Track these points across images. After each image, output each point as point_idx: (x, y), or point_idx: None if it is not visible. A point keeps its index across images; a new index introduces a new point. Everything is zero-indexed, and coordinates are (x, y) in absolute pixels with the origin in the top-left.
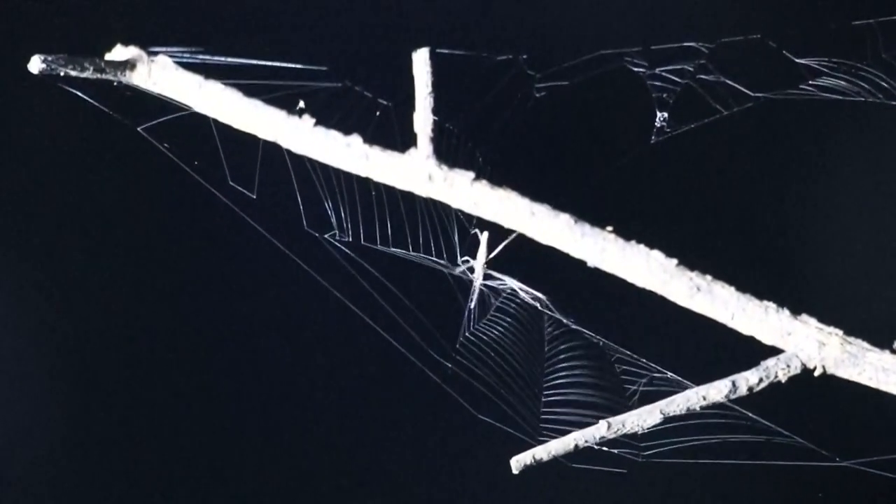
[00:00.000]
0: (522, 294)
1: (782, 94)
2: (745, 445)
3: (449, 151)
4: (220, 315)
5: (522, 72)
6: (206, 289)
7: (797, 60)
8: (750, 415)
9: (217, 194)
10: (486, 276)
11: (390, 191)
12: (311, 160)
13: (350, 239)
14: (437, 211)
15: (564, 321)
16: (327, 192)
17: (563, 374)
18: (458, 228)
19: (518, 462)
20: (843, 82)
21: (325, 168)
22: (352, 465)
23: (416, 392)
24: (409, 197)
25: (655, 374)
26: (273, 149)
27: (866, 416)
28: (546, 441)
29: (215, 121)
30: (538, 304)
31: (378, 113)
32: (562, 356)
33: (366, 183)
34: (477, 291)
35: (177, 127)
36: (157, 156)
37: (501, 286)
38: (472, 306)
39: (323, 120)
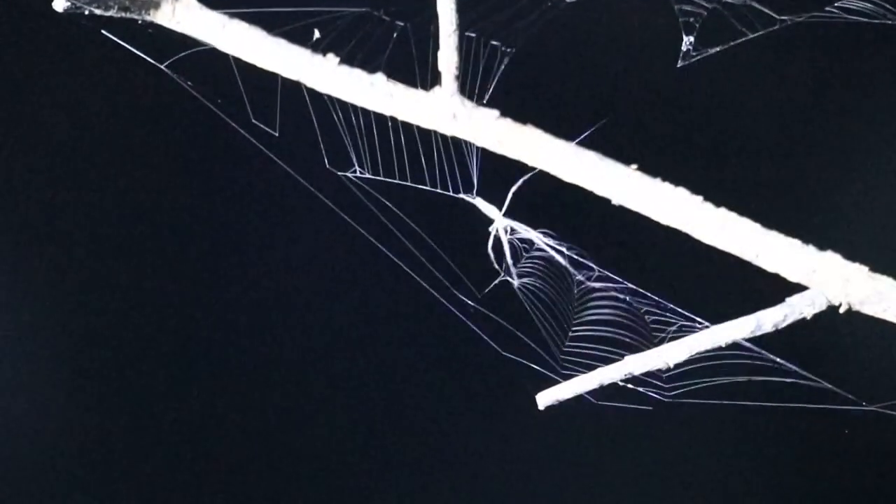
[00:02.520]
0: (546, 247)
1: (807, 17)
2: (771, 387)
3: (469, 59)
4: (245, 257)
5: None
6: (230, 228)
7: None
8: (777, 359)
9: (241, 131)
10: (509, 231)
11: (408, 127)
12: (331, 98)
13: (370, 174)
14: (454, 147)
15: (588, 272)
16: (346, 129)
17: (592, 313)
18: (477, 163)
19: (544, 398)
20: (869, 4)
21: (345, 105)
22: (378, 405)
23: (442, 330)
24: (426, 133)
25: (684, 323)
26: (293, 88)
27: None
28: (571, 377)
29: (237, 60)
30: (561, 257)
31: (395, 34)
32: (590, 301)
33: (384, 120)
34: (506, 244)
35: (199, 66)
36: (181, 94)
37: (526, 239)
38: (505, 260)
39: (342, 45)
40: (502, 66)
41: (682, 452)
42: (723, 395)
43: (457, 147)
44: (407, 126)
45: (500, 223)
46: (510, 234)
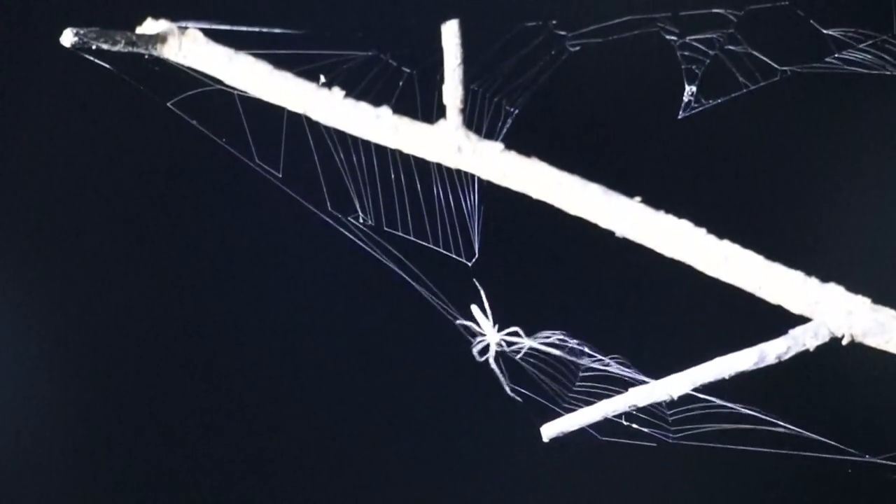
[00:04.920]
0: (544, 347)
1: (808, 68)
2: (773, 435)
3: (474, 110)
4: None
5: (552, 34)
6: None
7: (824, 31)
8: (786, 425)
9: (249, 163)
10: (503, 344)
11: (409, 172)
12: (333, 138)
13: (372, 221)
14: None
15: (591, 363)
16: (349, 174)
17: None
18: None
19: (549, 430)
20: (868, 56)
21: (348, 149)
22: (376, 438)
23: (448, 361)
24: (427, 176)
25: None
26: (298, 129)
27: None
28: (575, 409)
29: (241, 98)
30: (561, 350)
31: (402, 83)
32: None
33: (387, 163)
34: (497, 369)
35: (204, 106)
36: (186, 132)
37: (520, 348)
38: (500, 372)
39: (349, 88)
40: (506, 128)
41: (683, 491)
42: (726, 440)
43: (458, 207)
44: (410, 174)
45: (493, 339)
46: (505, 348)
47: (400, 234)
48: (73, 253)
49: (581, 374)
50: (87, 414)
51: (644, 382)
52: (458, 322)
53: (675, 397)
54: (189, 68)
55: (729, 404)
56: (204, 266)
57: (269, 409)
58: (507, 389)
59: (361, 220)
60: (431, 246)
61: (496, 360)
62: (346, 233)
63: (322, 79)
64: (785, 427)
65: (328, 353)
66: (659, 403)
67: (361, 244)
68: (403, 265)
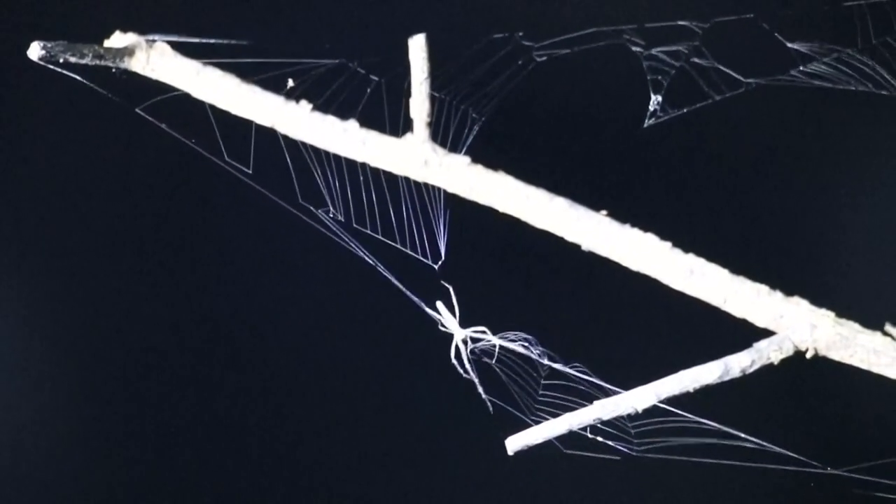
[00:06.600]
0: (509, 345)
1: (772, 81)
2: (737, 448)
3: (440, 119)
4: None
5: (519, 45)
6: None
7: (789, 45)
8: (749, 438)
9: (219, 162)
10: (468, 340)
11: (379, 177)
12: (304, 144)
13: (342, 217)
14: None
15: (552, 364)
16: (319, 171)
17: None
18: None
19: (513, 443)
20: (832, 70)
21: (317, 150)
22: (349, 444)
23: (415, 369)
24: (394, 181)
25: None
26: (266, 132)
27: (856, 425)
28: (540, 421)
29: (211, 106)
30: (527, 350)
31: (369, 90)
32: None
33: (355, 165)
34: (466, 361)
35: (173, 109)
36: (155, 137)
37: (487, 345)
38: (466, 367)
39: (316, 96)
40: (472, 136)
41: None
42: (690, 453)
43: (424, 210)
44: (378, 177)
45: (459, 335)
46: (472, 345)
47: (368, 231)
48: (41, 252)
49: (543, 378)
50: (67, 413)
51: (604, 388)
52: (427, 309)
53: (640, 410)
54: (158, 81)
55: (693, 416)
56: (180, 264)
57: (230, 397)
58: (480, 390)
59: (331, 215)
60: (399, 247)
61: (469, 361)
62: (317, 225)
63: (290, 83)
64: (748, 440)
65: (300, 344)
66: (622, 416)
67: (332, 236)
68: (373, 258)
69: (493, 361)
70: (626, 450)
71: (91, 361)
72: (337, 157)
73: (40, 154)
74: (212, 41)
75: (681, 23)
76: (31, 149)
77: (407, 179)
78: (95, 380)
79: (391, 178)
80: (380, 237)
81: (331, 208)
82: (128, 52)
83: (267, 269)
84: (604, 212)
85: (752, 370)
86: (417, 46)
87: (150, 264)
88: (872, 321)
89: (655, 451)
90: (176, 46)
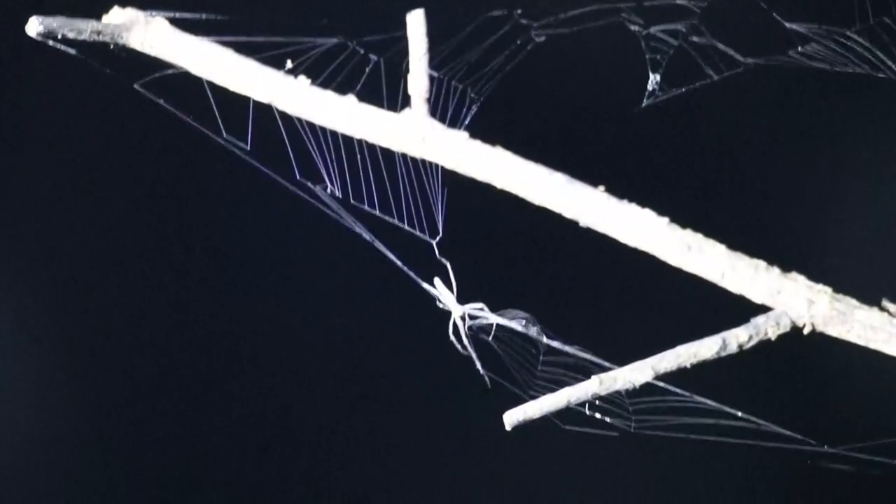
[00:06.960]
0: (507, 322)
1: (770, 61)
2: (733, 425)
3: (439, 98)
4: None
5: (518, 24)
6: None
7: (787, 25)
8: (746, 415)
9: (217, 138)
10: (466, 317)
11: (376, 155)
12: (301, 122)
13: (339, 193)
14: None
15: (550, 342)
16: (316, 149)
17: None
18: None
19: (511, 417)
20: (830, 51)
21: (314, 128)
22: (347, 417)
23: (413, 345)
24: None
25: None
26: (264, 108)
27: (854, 402)
28: (538, 396)
29: (209, 84)
30: (525, 328)
31: (368, 69)
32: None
33: (353, 145)
34: (465, 337)
35: (172, 85)
36: (154, 113)
37: (485, 323)
38: (465, 342)
39: (315, 75)
40: (470, 115)
41: (644, 480)
42: (687, 430)
43: (422, 186)
44: (375, 154)
45: (457, 312)
46: (470, 321)
47: (366, 208)
48: (40, 237)
49: (542, 356)
50: (66, 414)
51: (603, 366)
52: (425, 285)
53: (637, 385)
54: (156, 57)
55: (689, 394)
56: (177, 239)
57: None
58: (479, 366)
59: (329, 191)
60: (396, 222)
61: (467, 336)
62: (315, 202)
63: (289, 64)
64: (745, 417)
65: (297, 321)
66: (619, 392)
67: (330, 212)
68: (370, 234)
69: (490, 338)
70: (624, 426)
71: (83, 324)
72: (335, 134)
73: (38, 130)
74: (210, 17)
75: (679, 1)
76: (29, 124)
77: (404, 156)
78: (87, 341)
79: (389, 154)
80: (377, 213)
81: (328, 184)
82: (126, 27)
83: (265, 245)
84: (601, 187)
85: (749, 346)
86: (416, 22)
87: (147, 239)
88: (869, 297)
89: (653, 429)
90: (175, 22)
